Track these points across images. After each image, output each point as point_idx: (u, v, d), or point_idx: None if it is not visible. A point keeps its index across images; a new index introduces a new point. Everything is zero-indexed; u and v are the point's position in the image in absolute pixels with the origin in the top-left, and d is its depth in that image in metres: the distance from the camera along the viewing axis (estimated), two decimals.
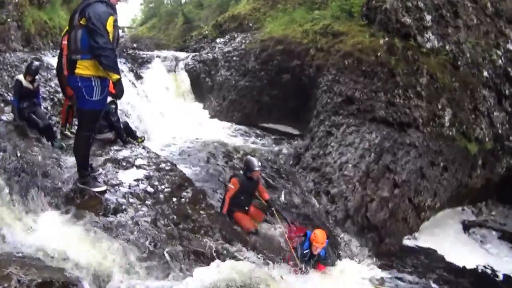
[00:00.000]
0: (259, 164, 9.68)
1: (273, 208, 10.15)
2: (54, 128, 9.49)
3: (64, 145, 8.94)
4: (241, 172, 9.58)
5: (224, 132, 18.00)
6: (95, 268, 5.66)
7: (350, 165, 12.68)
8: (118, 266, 6.20)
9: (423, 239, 13.20)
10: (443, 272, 11.63)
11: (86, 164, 7.05)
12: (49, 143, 8.87)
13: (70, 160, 7.83)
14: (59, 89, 11.40)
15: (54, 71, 11.58)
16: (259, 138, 17.74)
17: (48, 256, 5.50)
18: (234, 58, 20.77)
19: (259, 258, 8.08)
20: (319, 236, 8.69)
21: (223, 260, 7.15)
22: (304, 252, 9.04)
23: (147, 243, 6.84)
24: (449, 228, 14.05)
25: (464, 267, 12.10)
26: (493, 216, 15.70)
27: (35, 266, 4.94)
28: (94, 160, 8.48)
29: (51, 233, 5.90)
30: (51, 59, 13.71)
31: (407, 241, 12.92)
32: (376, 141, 12.95)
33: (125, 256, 6.40)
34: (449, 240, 13.33)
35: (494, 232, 14.40)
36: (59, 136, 9.45)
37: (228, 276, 6.67)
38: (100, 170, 8.26)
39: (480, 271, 12.28)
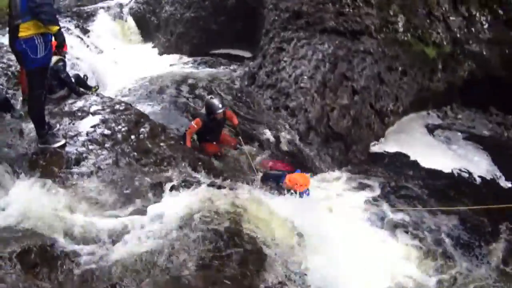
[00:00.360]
0: (220, 105, 9.52)
1: (239, 137, 10.23)
2: (12, 101, 9.53)
3: (22, 113, 9.08)
4: (203, 113, 9.65)
5: (176, 65, 18.16)
6: (66, 222, 5.78)
7: (305, 77, 12.44)
8: (83, 212, 6.34)
9: (391, 144, 13.13)
10: (419, 175, 11.75)
11: (43, 124, 7.29)
12: (9, 115, 9.11)
13: (30, 126, 7.84)
14: (11, 63, 11.51)
15: (5, 49, 11.77)
16: (211, 66, 17.70)
17: (22, 224, 5.59)
18: None
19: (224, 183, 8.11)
20: (296, 178, 8.72)
21: (189, 188, 7.23)
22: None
23: (110, 184, 7.04)
24: (414, 132, 14.10)
25: (441, 171, 12.17)
26: (460, 120, 15.54)
27: (12, 238, 5.01)
28: (51, 118, 8.55)
29: (22, 202, 5.94)
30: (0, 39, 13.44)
31: (374, 148, 12.87)
32: (329, 51, 12.68)
33: (89, 201, 6.59)
34: (417, 143, 13.35)
35: (459, 133, 14.46)
36: (18, 107, 9.45)
37: (194, 202, 6.74)
38: (58, 126, 8.34)
39: (456, 174, 12.31)
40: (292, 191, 8.71)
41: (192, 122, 9.08)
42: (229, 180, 8.33)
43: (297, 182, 8.71)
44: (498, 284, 8.10)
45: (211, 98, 9.51)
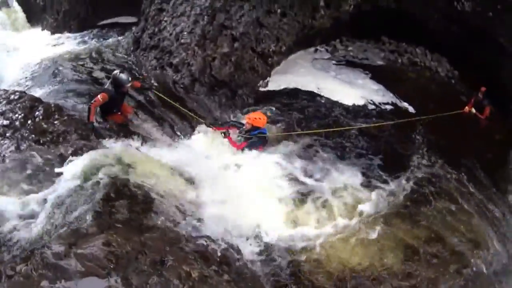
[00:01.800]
0: (129, 78, 9.80)
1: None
2: None
3: None
4: (110, 87, 9.74)
5: (66, 44, 18.55)
6: None
7: (185, 33, 13.37)
8: None
9: (276, 82, 14.52)
10: (302, 105, 13.22)
11: None
12: None
13: None
14: None
15: None
16: (100, 38, 18.36)
17: None
18: None
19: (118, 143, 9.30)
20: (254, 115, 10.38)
21: (83, 154, 8.26)
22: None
23: (15, 168, 7.89)
24: (300, 67, 15.57)
25: (327, 99, 13.84)
26: (351, 52, 16.64)
27: None
28: None
29: None
30: None
31: (262, 88, 14.13)
32: (206, 4, 13.60)
33: None
34: (301, 78, 14.65)
35: (344, 62, 15.61)
36: None
37: (86, 165, 7.86)
38: None
39: (339, 101, 13.91)
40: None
41: (98, 96, 9.34)
42: (119, 140, 9.45)
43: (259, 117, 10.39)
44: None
45: (119, 73, 9.79)
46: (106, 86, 10.04)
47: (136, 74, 12.96)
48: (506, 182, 11.24)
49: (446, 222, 8.74)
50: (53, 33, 20.28)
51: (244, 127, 10.46)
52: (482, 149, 12.20)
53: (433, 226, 8.54)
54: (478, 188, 10.30)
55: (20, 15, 22.20)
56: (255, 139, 10.46)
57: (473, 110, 13.87)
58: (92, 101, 9.48)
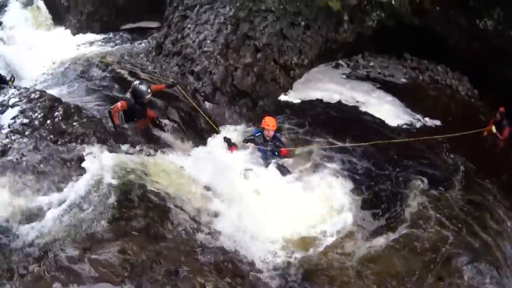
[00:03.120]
0: (148, 90, 9.85)
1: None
2: None
3: None
4: (129, 96, 9.84)
5: (87, 45, 18.90)
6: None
7: (208, 41, 13.53)
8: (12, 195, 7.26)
9: (298, 94, 14.63)
10: (323, 118, 13.27)
11: None
12: None
13: None
14: None
15: None
16: (122, 41, 18.72)
17: None
18: None
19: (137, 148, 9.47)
20: (268, 120, 9.94)
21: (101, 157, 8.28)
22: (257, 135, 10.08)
23: (33, 167, 8.02)
24: (322, 81, 15.59)
25: (348, 114, 13.85)
26: (372, 68, 16.76)
27: None
28: None
29: None
30: None
31: (283, 100, 14.28)
32: (230, 14, 13.77)
33: (16, 185, 7.57)
34: (322, 91, 14.66)
35: (365, 78, 15.60)
36: None
37: (104, 168, 7.85)
38: None
39: (359, 116, 13.99)
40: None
41: (118, 103, 9.54)
42: (138, 146, 9.61)
43: (269, 124, 10.11)
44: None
45: (139, 84, 9.87)
46: (126, 95, 10.11)
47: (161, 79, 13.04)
48: None
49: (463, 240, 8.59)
50: (75, 33, 20.70)
51: (265, 135, 10.10)
52: (499, 170, 11.96)
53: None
54: (496, 209, 10.11)
55: (45, 13, 22.58)
56: (273, 146, 10.31)
57: (494, 130, 13.62)
58: (112, 107, 9.65)
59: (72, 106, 9.83)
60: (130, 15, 19.99)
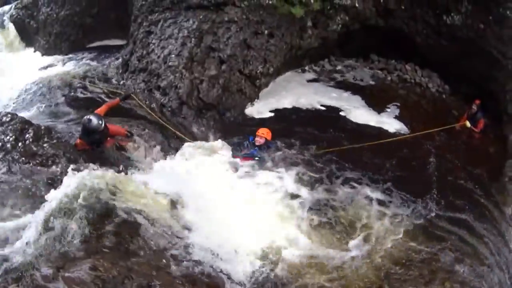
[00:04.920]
0: (100, 122, 9.91)
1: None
2: None
3: None
4: (83, 135, 10.05)
5: (56, 66, 19.00)
6: None
7: (173, 56, 13.68)
8: None
9: (265, 103, 14.79)
10: (289, 125, 13.33)
11: None
12: None
13: None
14: None
15: None
16: (90, 60, 18.64)
17: None
18: None
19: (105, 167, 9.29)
20: (261, 129, 10.67)
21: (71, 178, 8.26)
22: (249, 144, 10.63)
23: (6, 190, 8.18)
24: (287, 88, 15.65)
25: (312, 118, 13.94)
26: (338, 71, 17.06)
27: None
28: None
29: None
30: None
31: (250, 110, 14.44)
32: (194, 27, 13.92)
33: None
34: (288, 98, 14.86)
35: (332, 82, 16.11)
36: None
37: (74, 188, 7.86)
38: None
39: (327, 119, 14.10)
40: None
41: (77, 141, 9.74)
42: (107, 165, 9.67)
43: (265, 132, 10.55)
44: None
45: (88, 121, 9.55)
46: (80, 134, 10.09)
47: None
48: (503, 194, 11.31)
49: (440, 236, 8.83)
50: (44, 54, 20.88)
51: (258, 142, 10.61)
52: (476, 163, 12.29)
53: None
54: (475, 201, 10.43)
55: (15, 36, 22.77)
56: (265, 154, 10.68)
57: (468, 124, 13.83)
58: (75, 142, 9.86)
59: (42, 127, 9.94)
60: (97, 34, 20.17)
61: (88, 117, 9.78)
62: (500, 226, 10.18)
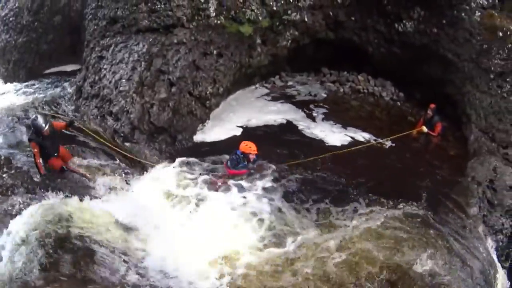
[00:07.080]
0: (44, 123, 10.05)
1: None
2: None
3: None
4: (33, 135, 10.17)
5: (12, 94, 19.17)
6: None
7: (124, 80, 13.95)
8: None
9: (216, 124, 15.04)
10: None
11: None
12: None
13: None
14: None
15: None
16: (45, 87, 18.86)
17: None
18: (11, 18, 21.26)
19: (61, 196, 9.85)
20: (250, 145, 11.20)
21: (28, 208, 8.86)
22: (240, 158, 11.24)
23: None
24: (238, 108, 15.97)
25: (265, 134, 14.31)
26: (289, 87, 17.56)
27: None
28: None
29: None
30: None
31: (201, 131, 14.69)
32: (144, 50, 14.24)
33: None
34: (239, 117, 15.21)
35: (284, 98, 16.54)
36: None
37: (29, 220, 8.43)
38: None
39: (279, 135, 14.56)
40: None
41: (32, 148, 9.99)
42: (62, 193, 10.00)
43: (254, 149, 11.18)
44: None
45: (34, 119, 10.10)
46: (30, 135, 10.51)
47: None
48: (465, 196, 11.67)
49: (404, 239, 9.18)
50: (4, 82, 21.02)
51: (252, 157, 11.29)
52: (438, 165, 12.74)
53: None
54: (438, 205, 10.82)
55: None
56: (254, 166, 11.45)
57: (425, 129, 14.23)
58: (34, 156, 10.18)
59: (2, 158, 10.44)
60: (53, 60, 20.40)
61: (36, 115, 10.43)
62: (464, 227, 10.62)
